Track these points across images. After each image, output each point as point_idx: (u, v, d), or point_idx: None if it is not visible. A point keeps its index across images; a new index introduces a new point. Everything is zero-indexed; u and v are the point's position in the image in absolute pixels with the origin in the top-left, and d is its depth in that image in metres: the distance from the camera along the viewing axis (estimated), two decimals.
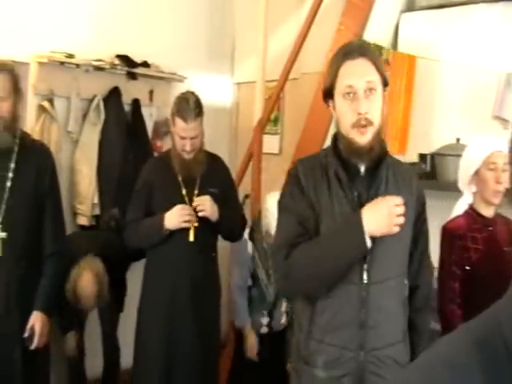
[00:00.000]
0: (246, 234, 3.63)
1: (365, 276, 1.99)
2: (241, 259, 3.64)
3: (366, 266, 1.99)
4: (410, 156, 3.98)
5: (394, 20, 4.44)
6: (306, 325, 2.07)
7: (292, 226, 2.04)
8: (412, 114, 4.17)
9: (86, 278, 3.41)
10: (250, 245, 3.63)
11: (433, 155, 3.81)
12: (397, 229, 1.94)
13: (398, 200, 1.93)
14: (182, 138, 3.18)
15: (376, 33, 4.27)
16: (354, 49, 2.04)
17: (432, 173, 3.77)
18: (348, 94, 1.99)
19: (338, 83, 2.02)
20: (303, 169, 2.11)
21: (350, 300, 2.00)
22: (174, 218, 3.14)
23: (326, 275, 1.99)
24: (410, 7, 4.45)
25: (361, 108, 1.97)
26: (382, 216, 1.91)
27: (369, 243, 1.92)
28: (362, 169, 2.06)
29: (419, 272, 2.20)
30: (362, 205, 1.99)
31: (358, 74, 2.00)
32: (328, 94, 2.08)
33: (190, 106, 3.16)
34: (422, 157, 3.86)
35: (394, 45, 4.38)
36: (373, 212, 1.92)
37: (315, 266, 1.98)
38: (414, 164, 3.87)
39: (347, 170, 2.05)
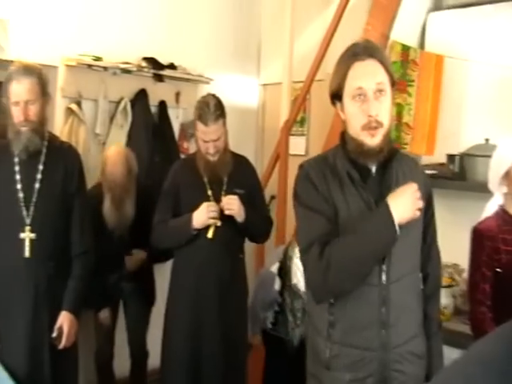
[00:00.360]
0: (274, 268, 3.42)
1: (383, 277, 1.99)
2: (266, 294, 3.43)
3: (384, 267, 1.99)
4: (438, 157, 3.94)
5: (421, 19, 4.40)
6: (324, 329, 2.05)
7: (321, 223, 2.01)
8: (440, 115, 4.12)
9: (115, 150, 3.81)
10: (278, 281, 3.42)
11: (461, 156, 3.76)
12: (418, 213, 1.98)
13: (415, 186, 1.97)
14: (205, 141, 3.21)
15: (403, 32, 4.23)
16: (362, 50, 2.02)
17: (461, 174, 3.73)
18: (358, 95, 1.98)
19: (347, 85, 2.00)
20: (313, 170, 2.10)
21: (370, 301, 1.99)
22: (202, 215, 3.17)
23: (364, 269, 1.98)
24: (438, 6, 4.40)
25: (371, 110, 1.96)
26: (406, 202, 1.95)
27: (398, 231, 1.92)
28: (373, 169, 2.06)
29: (428, 262, 2.19)
30: (376, 204, 1.99)
31: (367, 75, 1.98)
32: (336, 95, 2.07)
33: (211, 110, 3.18)
34: (451, 157, 3.81)
35: (422, 44, 4.34)
36: (397, 199, 1.94)
37: (354, 261, 1.96)
38: (442, 165, 3.83)
39: (358, 170, 2.04)
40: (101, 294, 3.72)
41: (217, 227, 3.22)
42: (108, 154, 3.82)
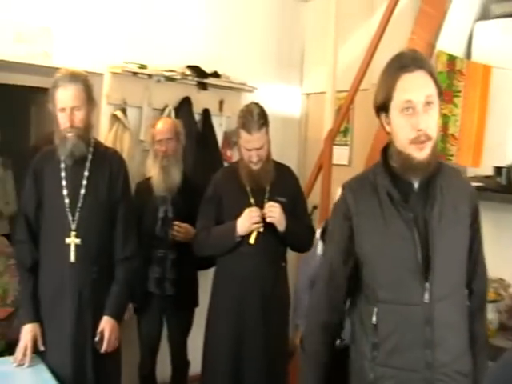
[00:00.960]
0: (317, 234, 3.56)
1: (426, 295, 1.95)
2: (309, 260, 3.56)
3: (427, 285, 1.94)
4: (485, 169, 3.86)
5: (468, 29, 4.33)
6: (368, 351, 2.02)
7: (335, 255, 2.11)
8: (487, 126, 4.04)
9: (163, 118, 4.04)
10: (320, 245, 3.56)
11: (509, 168, 3.68)
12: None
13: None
14: (248, 149, 3.21)
15: (449, 42, 4.17)
16: (411, 61, 1.95)
17: (508, 186, 3.64)
18: (406, 108, 1.92)
19: (395, 97, 1.94)
20: (351, 193, 2.08)
21: (414, 321, 1.95)
22: (245, 221, 3.17)
23: None
24: (485, 15, 4.33)
25: (420, 124, 1.91)
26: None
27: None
28: (416, 185, 2.01)
29: (474, 278, 2.13)
30: (417, 224, 1.95)
31: (417, 88, 1.92)
32: (382, 107, 2.01)
33: (254, 118, 3.18)
34: (498, 170, 3.73)
35: (468, 54, 4.27)
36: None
37: None
38: (488, 177, 3.75)
39: (399, 188, 2.00)
40: (143, 298, 3.75)
41: (259, 233, 3.21)
42: (157, 121, 3.92)
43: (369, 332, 2.02)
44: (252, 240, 3.20)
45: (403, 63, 1.96)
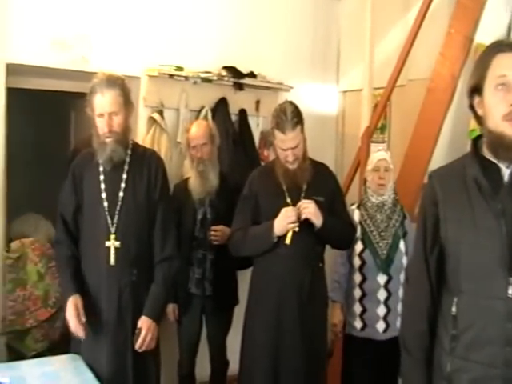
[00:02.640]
0: (354, 205, 3.67)
1: (510, 290, 1.89)
2: None
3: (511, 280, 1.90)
4: None
5: (507, 20, 4.26)
6: (447, 342, 2.00)
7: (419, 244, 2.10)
8: None
9: (197, 121, 4.06)
10: (356, 213, 3.60)
11: None
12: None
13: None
14: (283, 149, 3.19)
15: (488, 34, 4.11)
16: (506, 44, 1.96)
17: None
18: (501, 84, 1.89)
19: (490, 74, 1.92)
20: (438, 180, 2.06)
21: (495, 315, 1.90)
22: (282, 221, 3.15)
23: None
24: None
25: None
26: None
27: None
28: (506, 176, 1.95)
29: None
30: (505, 216, 1.90)
31: (511, 64, 1.91)
32: (475, 89, 1.98)
33: (288, 118, 3.15)
34: None
35: None
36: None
37: None
38: None
39: (488, 178, 1.95)
40: (184, 297, 3.80)
41: (294, 233, 3.18)
42: (190, 125, 3.93)
43: (448, 323, 2.00)
44: (288, 240, 3.17)
45: (499, 45, 1.96)
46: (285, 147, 3.18)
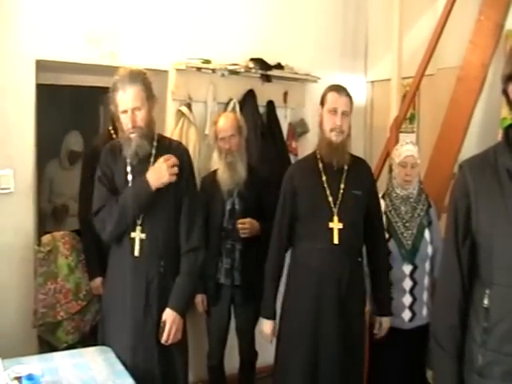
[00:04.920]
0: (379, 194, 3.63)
1: None
2: None
3: None
4: None
5: None
6: (478, 335, 1.97)
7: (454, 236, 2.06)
8: None
9: (225, 114, 4.07)
10: (382, 204, 3.57)
11: None
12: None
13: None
14: (334, 111, 3.20)
15: None
16: None
17: None
18: None
19: None
20: (470, 170, 2.02)
21: None
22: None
23: None
24: None
25: None
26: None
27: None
28: None
29: None
30: None
31: None
32: (509, 77, 1.92)
33: (343, 87, 3.27)
34: None
35: None
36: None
37: None
38: None
39: None
40: (213, 288, 3.84)
41: (340, 231, 3.17)
42: (218, 117, 3.97)
43: (480, 316, 1.98)
44: (336, 240, 3.17)
45: None
46: (337, 106, 3.19)
